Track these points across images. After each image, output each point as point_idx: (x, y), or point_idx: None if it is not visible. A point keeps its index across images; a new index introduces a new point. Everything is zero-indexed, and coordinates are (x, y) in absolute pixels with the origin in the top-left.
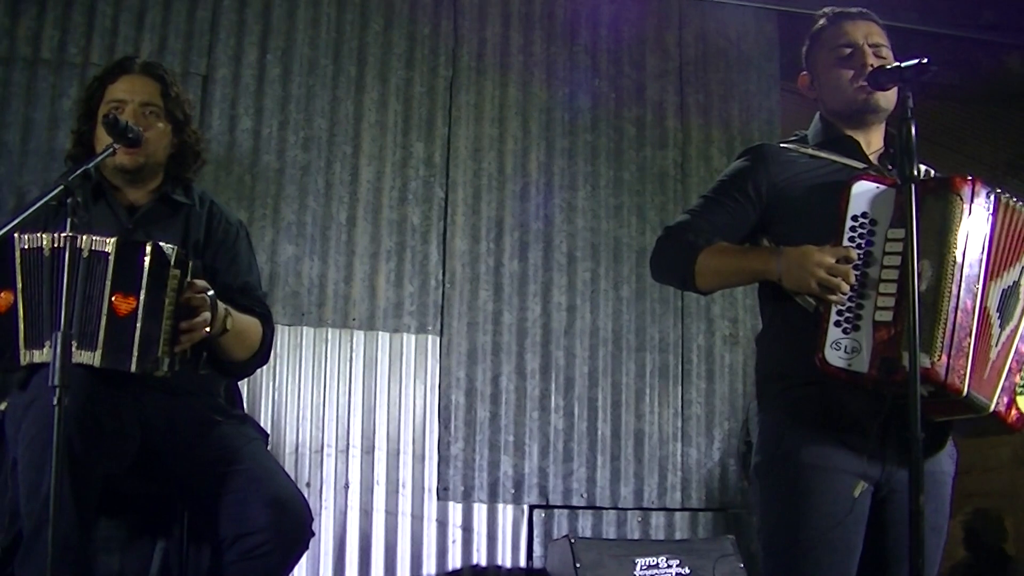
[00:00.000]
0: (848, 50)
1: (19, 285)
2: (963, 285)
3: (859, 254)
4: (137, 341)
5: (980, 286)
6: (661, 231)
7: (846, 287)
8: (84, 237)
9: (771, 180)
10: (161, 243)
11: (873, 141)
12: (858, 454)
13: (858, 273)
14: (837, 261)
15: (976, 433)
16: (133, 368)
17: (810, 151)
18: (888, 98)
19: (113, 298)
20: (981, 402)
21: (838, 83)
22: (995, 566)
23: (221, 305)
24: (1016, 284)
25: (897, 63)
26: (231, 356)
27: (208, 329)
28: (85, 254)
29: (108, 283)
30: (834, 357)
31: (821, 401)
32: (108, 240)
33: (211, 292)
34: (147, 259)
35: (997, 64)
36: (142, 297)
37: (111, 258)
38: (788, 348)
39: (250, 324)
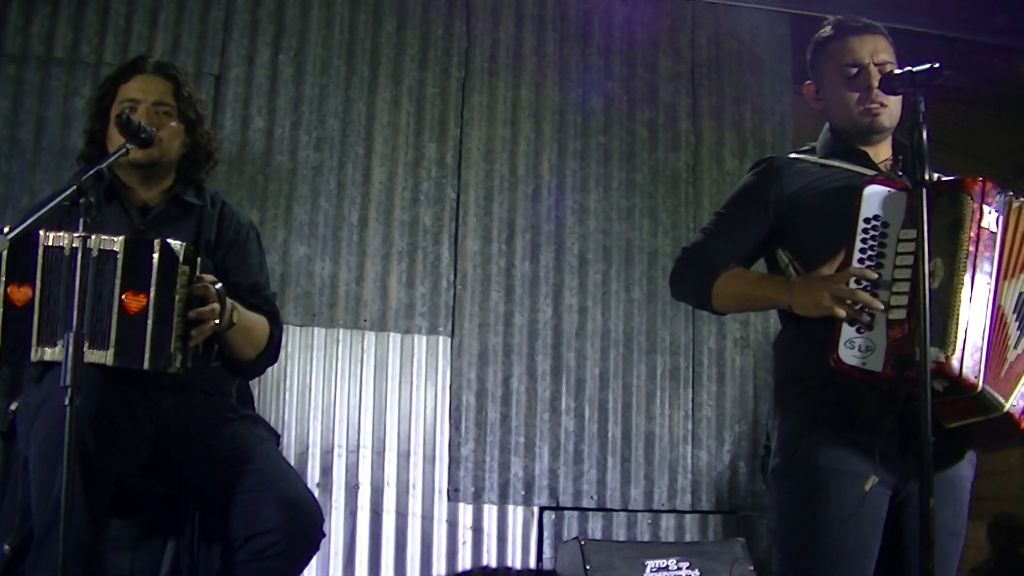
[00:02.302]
0: (854, 70)
1: (39, 282)
2: (976, 282)
3: (871, 255)
4: (149, 338)
5: (992, 284)
6: (679, 252)
7: (859, 296)
8: (93, 237)
9: (783, 192)
10: (169, 240)
11: (880, 153)
12: (875, 457)
13: (868, 287)
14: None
15: (995, 446)
16: (146, 366)
17: (822, 161)
18: (892, 116)
19: (123, 296)
20: (995, 400)
21: (843, 104)
22: (1014, 568)
23: (228, 299)
24: None
25: (909, 67)
26: (238, 353)
27: (218, 321)
28: (95, 253)
29: (118, 282)
30: (848, 356)
31: (838, 404)
32: (116, 239)
33: (219, 285)
34: (156, 256)
35: (1010, 68)
36: (152, 294)
37: (120, 257)
38: (805, 351)
39: (257, 321)
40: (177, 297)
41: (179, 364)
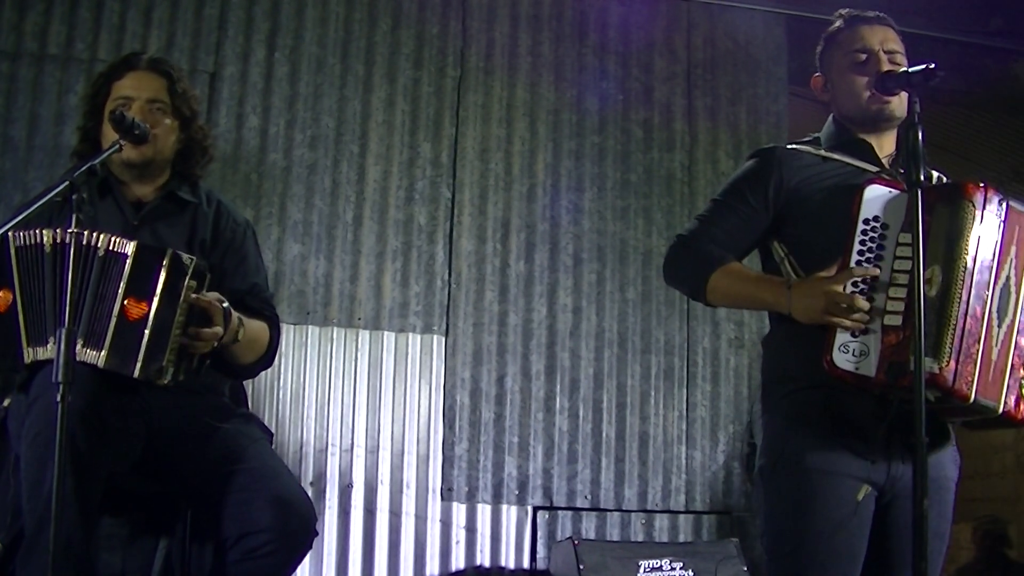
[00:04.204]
0: (863, 55)
1: (16, 284)
2: (972, 291)
3: (869, 257)
4: (144, 347)
5: (989, 293)
6: (674, 238)
7: (857, 315)
8: (102, 236)
9: (783, 183)
10: (180, 253)
11: (885, 145)
12: (862, 459)
13: (866, 289)
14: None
15: (986, 426)
16: (136, 374)
17: (823, 153)
18: (902, 105)
19: (126, 301)
20: (989, 406)
21: (852, 89)
22: (999, 570)
23: (235, 315)
24: (1008, 279)
25: (904, 68)
26: (238, 361)
27: (218, 342)
28: (101, 252)
29: (123, 285)
30: (842, 360)
31: (826, 405)
32: (128, 242)
33: (225, 304)
34: (164, 267)
35: (1004, 71)
36: (155, 304)
37: (129, 261)
38: (794, 351)
39: (260, 332)
40: (179, 311)
41: (170, 377)
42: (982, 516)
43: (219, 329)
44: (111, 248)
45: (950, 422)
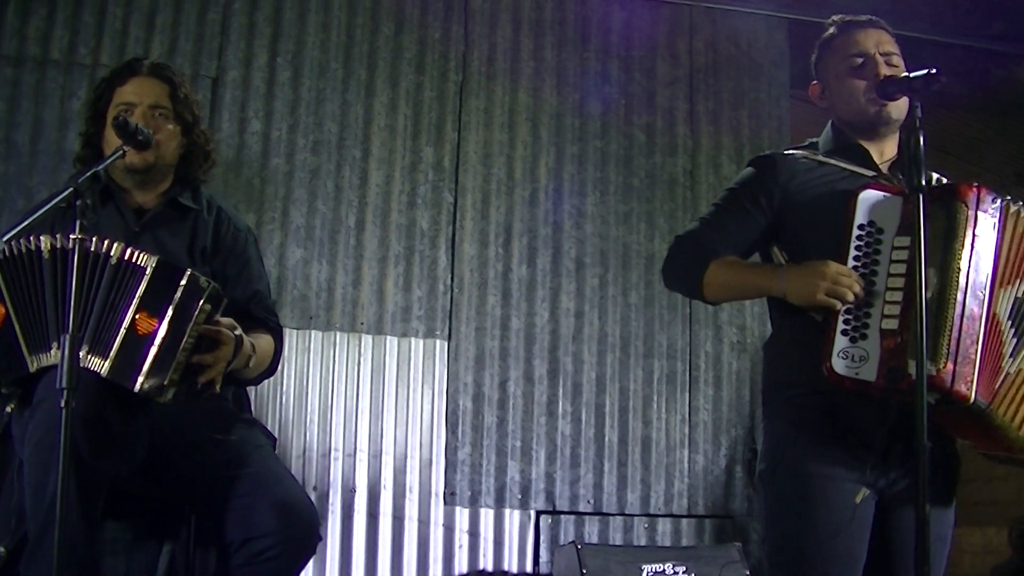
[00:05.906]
0: (860, 60)
1: (7, 296)
2: (968, 292)
3: (865, 262)
4: (149, 363)
5: (987, 293)
6: (672, 240)
7: (851, 296)
8: (116, 244)
9: (780, 188)
10: (199, 275)
11: (886, 150)
12: (863, 464)
13: (864, 282)
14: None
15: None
16: (137, 388)
17: (820, 158)
18: (900, 108)
19: (138, 315)
20: (989, 410)
21: (851, 94)
22: None
23: (247, 341)
24: None
25: (907, 73)
26: (243, 377)
27: (225, 365)
28: (113, 260)
29: (137, 298)
30: (841, 366)
31: (826, 410)
32: (151, 257)
33: (238, 331)
34: (182, 287)
35: (1006, 74)
36: (166, 323)
37: (147, 275)
38: (795, 356)
39: (267, 351)
40: (189, 332)
41: (171, 397)
42: (1018, 517)
43: (228, 353)
44: (126, 258)
45: (960, 438)
